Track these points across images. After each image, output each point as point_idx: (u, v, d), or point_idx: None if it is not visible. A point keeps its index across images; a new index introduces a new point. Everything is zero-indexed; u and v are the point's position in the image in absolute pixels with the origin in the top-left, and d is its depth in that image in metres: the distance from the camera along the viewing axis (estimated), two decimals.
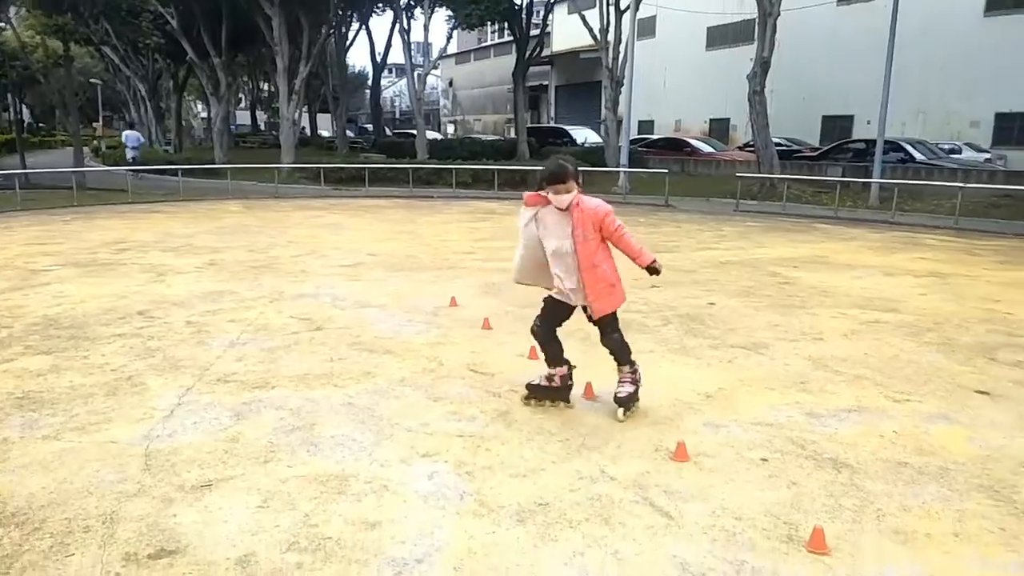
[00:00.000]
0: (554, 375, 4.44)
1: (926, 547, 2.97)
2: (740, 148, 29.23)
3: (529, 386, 4.50)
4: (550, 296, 4.35)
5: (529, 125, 33.78)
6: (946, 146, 23.50)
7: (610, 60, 23.85)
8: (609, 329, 4.35)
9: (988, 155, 23.75)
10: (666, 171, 20.34)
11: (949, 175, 19.10)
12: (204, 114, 48.99)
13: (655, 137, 32.57)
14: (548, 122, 43.53)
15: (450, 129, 57.73)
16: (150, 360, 5.35)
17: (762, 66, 19.84)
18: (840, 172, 20.61)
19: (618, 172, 22.25)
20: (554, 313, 4.38)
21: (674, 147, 28.86)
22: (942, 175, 19.31)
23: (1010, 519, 3.21)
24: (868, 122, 24.91)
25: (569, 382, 4.50)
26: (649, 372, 5.16)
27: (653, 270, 4.28)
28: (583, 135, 32.25)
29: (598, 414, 4.39)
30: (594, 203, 4.13)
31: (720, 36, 33.92)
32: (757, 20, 20.33)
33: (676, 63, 35.97)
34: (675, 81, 36.42)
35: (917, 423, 4.31)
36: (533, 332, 4.46)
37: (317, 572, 2.74)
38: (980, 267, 9.96)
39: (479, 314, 6.68)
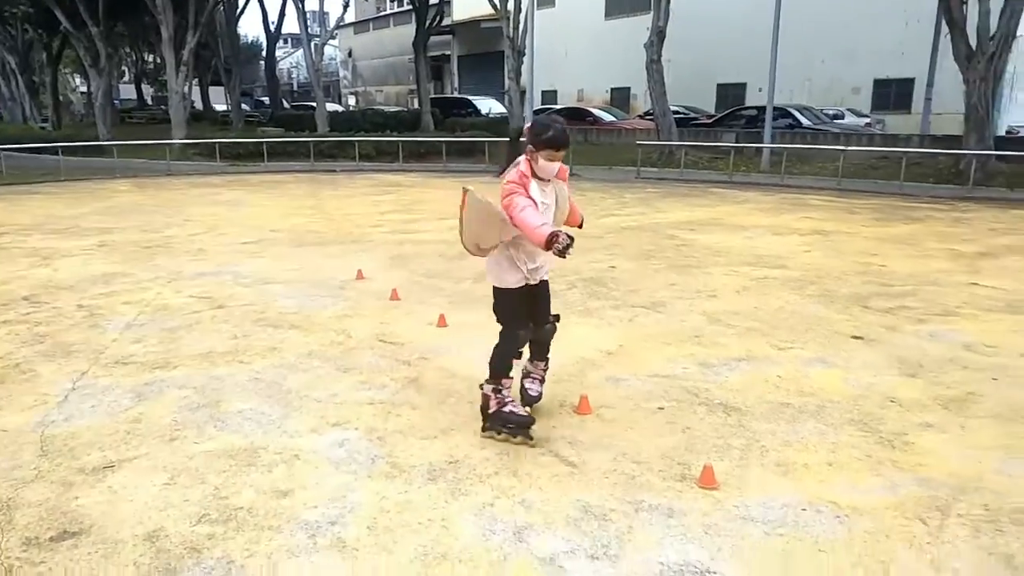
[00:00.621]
0: (503, 393, 3.70)
1: (804, 476, 3.26)
2: (640, 117, 29.87)
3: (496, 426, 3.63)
4: (514, 293, 3.56)
5: (432, 96, 33.36)
6: (831, 112, 24.78)
7: (511, 30, 23.80)
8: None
9: (868, 120, 25.20)
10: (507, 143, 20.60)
11: (833, 139, 20.16)
12: (84, 88, 45.93)
13: (558, 107, 32.82)
14: (452, 93, 43.13)
15: (351, 101, 56.33)
16: (38, 346, 5.11)
17: (658, 35, 20.28)
18: (734, 138, 21.42)
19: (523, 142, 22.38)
20: (533, 302, 3.70)
21: (577, 116, 29.18)
22: (827, 139, 20.36)
23: (876, 447, 3.55)
24: (760, 89, 25.89)
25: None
26: (561, 335, 5.34)
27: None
28: (487, 105, 32.16)
29: None
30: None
31: (618, 5, 34.37)
32: None
33: (576, 33, 36.26)
34: (576, 51, 36.74)
35: (799, 368, 4.65)
36: (518, 340, 3.66)
37: (230, 541, 2.76)
38: (859, 224, 10.67)
39: (387, 286, 6.68)
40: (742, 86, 29.82)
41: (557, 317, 3.86)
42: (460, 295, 6.52)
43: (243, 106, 36.89)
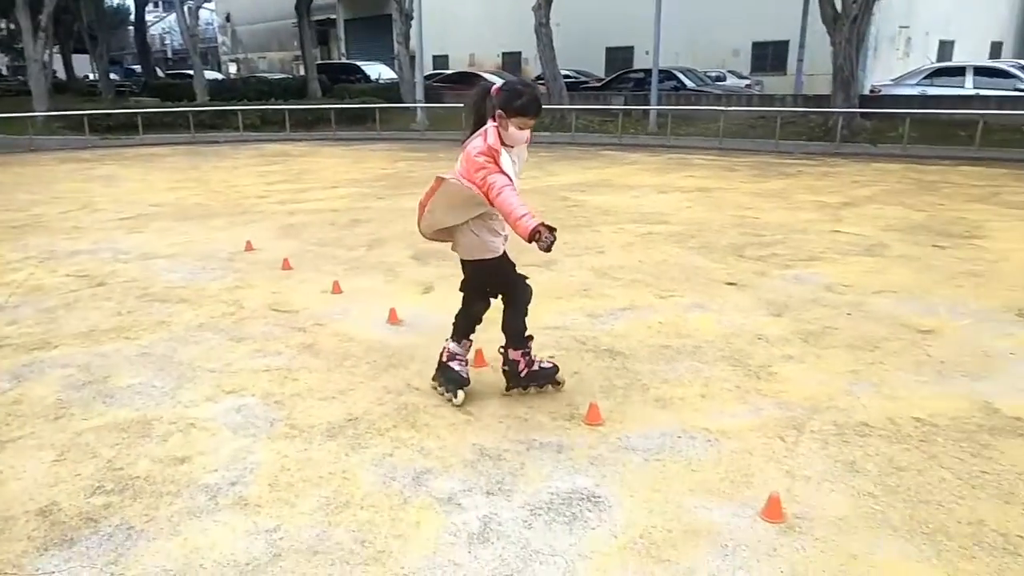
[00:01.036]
0: (531, 353, 3.67)
1: (680, 408, 3.55)
2: (532, 81, 30.09)
3: (524, 384, 3.65)
4: (503, 257, 3.50)
5: (319, 62, 32.35)
6: (713, 74, 25.77)
7: None
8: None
9: (748, 81, 26.39)
10: (462, 105, 20.51)
11: (715, 100, 21.03)
12: None
13: (450, 72, 32.54)
14: (339, 58, 41.86)
15: (232, 69, 53.70)
16: None
17: None
18: (622, 101, 21.95)
19: (415, 108, 22.16)
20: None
21: (469, 81, 29.00)
22: (709, 100, 21.22)
23: (744, 379, 3.89)
24: (646, 52, 26.44)
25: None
26: (450, 295, 5.45)
27: None
28: (377, 71, 31.48)
29: (402, 336, 4.61)
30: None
31: None
32: None
33: None
34: (466, 15, 36.39)
35: (678, 313, 4.98)
36: (530, 293, 3.63)
37: (127, 509, 2.76)
38: (738, 181, 11.28)
39: (278, 256, 6.60)
40: (630, 49, 30.45)
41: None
42: (354, 262, 6.53)
43: (112, 75, 34.59)
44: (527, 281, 3.59)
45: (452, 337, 3.69)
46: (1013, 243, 6.86)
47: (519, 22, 30.93)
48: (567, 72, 24.74)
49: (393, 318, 4.88)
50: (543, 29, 20.66)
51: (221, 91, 26.74)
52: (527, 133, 3.25)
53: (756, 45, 27.83)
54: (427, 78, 25.36)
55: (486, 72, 31.02)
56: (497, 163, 3.14)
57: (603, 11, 30.02)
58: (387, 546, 2.54)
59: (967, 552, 2.48)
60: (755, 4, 26.46)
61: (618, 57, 30.91)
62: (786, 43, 25.93)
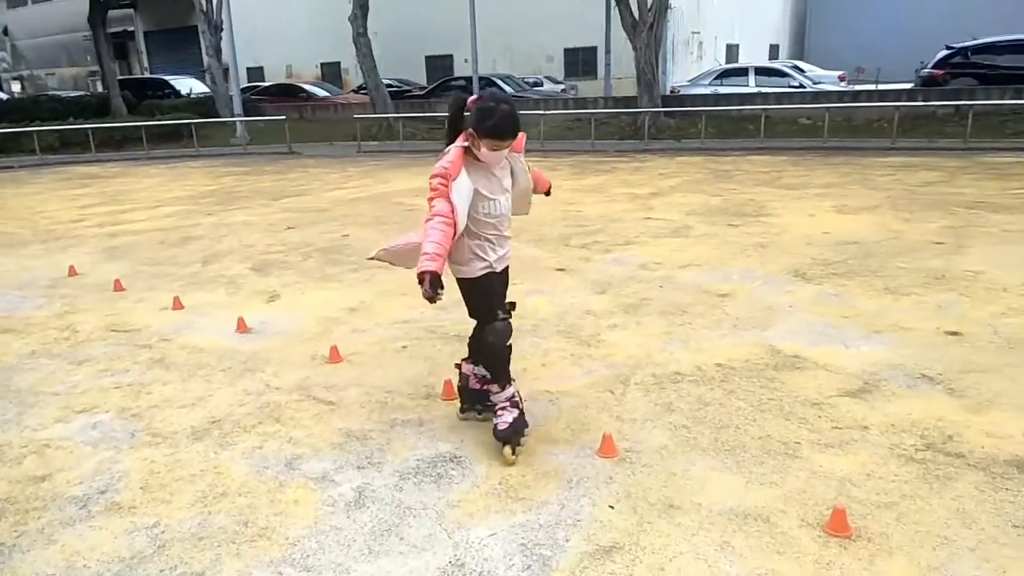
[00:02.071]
0: (518, 393, 3.27)
1: (524, 377, 3.97)
2: (355, 91, 29.90)
3: (506, 435, 3.13)
4: (485, 277, 3.14)
5: (121, 77, 30.23)
6: (531, 79, 26.96)
7: (204, 2, 22.45)
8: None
9: (563, 86, 27.87)
10: (284, 118, 20.16)
11: (534, 105, 22.03)
12: None
13: (267, 84, 31.62)
14: (142, 72, 39.29)
15: (15, 87, 48.70)
16: None
17: (361, 8, 20.50)
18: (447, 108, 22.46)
19: (234, 122, 21.42)
20: (503, 291, 3.30)
21: (289, 93, 28.43)
22: (529, 105, 22.21)
23: (577, 348, 4.39)
24: (465, 60, 27.26)
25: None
26: (298, 300, 5.61)
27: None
28: (188, 85, 29.93)
29: (254, 343, 4.70)
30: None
31: None
32: None
33: (278, 6, 34.97)
34: (280, 25, 35.47)
35: (518, 298, 5.37)
36: (503, 332, 3.12)
37: None
38: (560, 179, 12.05)
39: (107, 278, 6.37)
40: (449, 57, 31.14)
41: (513, 305, 3.32)
42: (191, 278, 6.43)
43: None
44: (505, 318, 3.16)
45: (469, 359, 3.46)
46: (791, 218, 8.00)
47: (336, 32, 30.70)
48: (389, 81, 24.94)
49: (242, 327, 4.95)
50: (361, 39, 20.73)
51: (7, 112, 24.32)
52: (502, 154, 2.95)
53: (568, 51, 29.45)
54: (244, 91, 24.58)
55: (307, 83, 30.54)
56: (447, 188, 2.85)
57: (420, 20, 30.46)
58: (270, 523, 2.73)
59: (758, 459, 3.07)
60: (564, 12, 28.02)
61: (438, 65, 31.51)
62: (594, 49, 27.68)
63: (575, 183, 11.50)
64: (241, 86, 23.38)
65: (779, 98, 18.14)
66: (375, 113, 21.13)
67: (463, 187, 2.90)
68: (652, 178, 11.70)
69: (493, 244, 3.12)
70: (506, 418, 3.15)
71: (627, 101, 19.93)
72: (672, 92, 21.25)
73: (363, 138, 19.16)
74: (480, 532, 2.64)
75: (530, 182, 3.28)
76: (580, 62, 29.35)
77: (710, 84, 20.46)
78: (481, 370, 3.37)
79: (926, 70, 17.83)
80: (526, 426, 3.19)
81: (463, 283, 3.20)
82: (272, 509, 2.82)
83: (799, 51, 36.62)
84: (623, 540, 2.57)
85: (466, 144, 2.93)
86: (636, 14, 17.78)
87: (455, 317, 5.01)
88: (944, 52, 17.62)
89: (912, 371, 3.88)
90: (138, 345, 4.76)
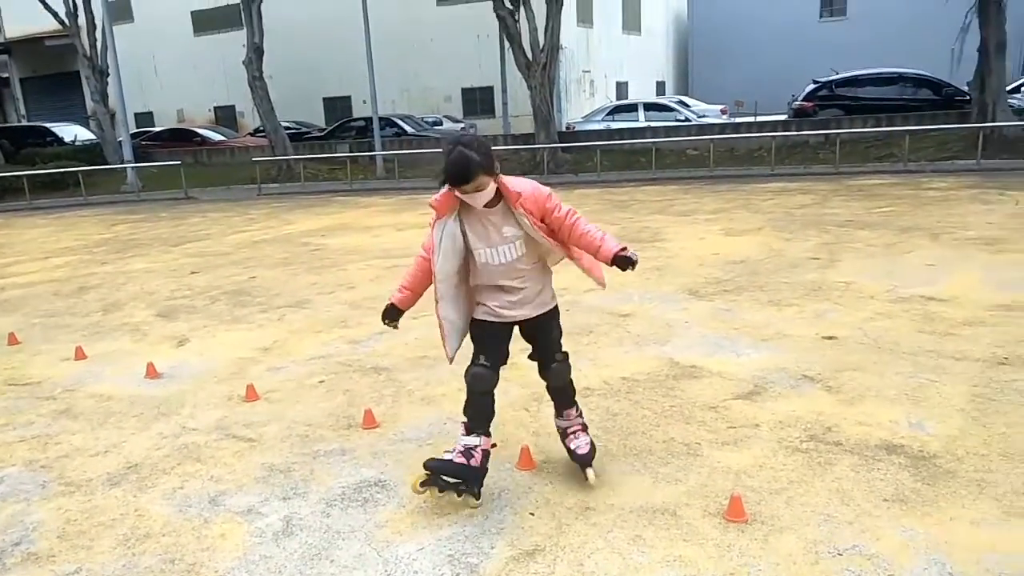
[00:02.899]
0: (476, 448, 3.03)
1: (443, 403, 4.12)
2: (251, 134, 29.46)
3: (432, 465, 2.99)
4: (479, 321, 3.08)
5: None
6: (430, 119, 27.33)
7: (87, 47, 21.73)
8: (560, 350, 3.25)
9: (462, 124, 28.34)
10: (179, 163, 19.64)
11: (435, 143, 22.36)
12: None
13: (158, 129, 30.69)
14: (19, 120, 37.29)
15: None
16: None
17: (256, 52, 20.37)
18: (348, 148, 22.48)
19: (124, 169, 20.68)
20: (497, 341, 3.11)
21: (182, 138, 27.70)
22: (430, 144, 22.52)
23: None
24: (364, 101, 27.39)
25: (486, 464, 3.07)
26: (209, 343, 5.57)
27: (626, 260, 2.98)
28: (72, 132, 28.60)
29: (166, 387, 4.65)
30: (524, 184, 2.91)
31: (208, 21, 33.23)
32: (242, 5, 20.65)
33: (166, 50, 34.13)
34: (168, 69, 34.61)
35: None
36: (477, 378, 3.09)
37: None
38: None
39: None
40: (347, 99, 31.17)
41: (566, 355, 3.26)
42: (92, 327, 6.25)
43: None
44: (485, 365, 3.10)
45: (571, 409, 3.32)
46: (684, 242, 8.52)
47: (229, 75, 30.31)
48: (287, 123, 24.74)
49: (152, 372, 4.87)
50: (257, 83, 20.56)
51: None
52: (478, 197, 2.76)
53: (465, 91, 30.05)
54: (134, 136, 23.81)
55: (199, 128, 29.85)
56: (432, 223, 2.92)
57: (316, 62, 30.41)
58: (197, 559, 2.75)
59: (663, 460, 3.33)
60: (460, 53, 28.67)
61: (337, 106, 31.47)
62: (491, 88, 28.37)
63: None
64: (130, 131, 22.62)
65: (667, 131, 19.16)
66: (274, 155, 20.90)
67: (448, 229, 2.85)
68: None
69: (496, 292, 2.98)
70: (452, 458, 3.00)
71: (525, 138, 20.53)
72: (568, 128, 22.04)
73: (263, 181, 18.93)
74: (409, 548, 2.76)
75: (547, 244, 2.96)
76: (478, 101, 29.98)
77: (603, 120, 21.36)
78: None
79: (797, 102, 19.28)
80: (465, 476, 2.98)
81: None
82: (199, 545, 2.84)
83: (684, 87, 38.68)
84: (544, 543, 2.74)
85: None
86: (529, 54, 18.46)
87: (371, 350, 5.12)
88: (812, 85, 19.12)
89: (795, 373, 4.27)
90: (40, 397, 4.61)
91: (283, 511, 3.06)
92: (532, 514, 2.94)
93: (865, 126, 17.07)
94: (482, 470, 3.03)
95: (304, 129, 28.03)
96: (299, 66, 30.29)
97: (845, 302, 5.64)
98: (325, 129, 27.62)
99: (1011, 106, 15.81)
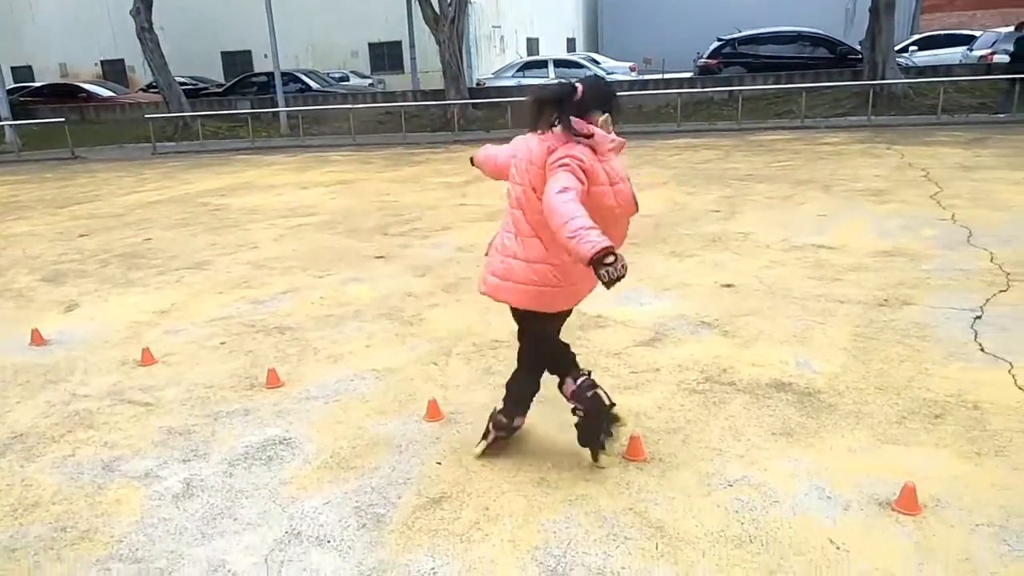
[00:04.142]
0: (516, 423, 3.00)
1: (349, 359, 4.08)
2: (143, 90, 27.78)
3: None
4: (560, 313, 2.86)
5: None
6: (336, 75, 26.46)
7: None
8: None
9: (370, 80, 27.61)
10: (63, 120, 18.35)
11: (342, 100, 21.72)
12: None
13: (38, 84, 28.51)
14: None
15: None
16: None
17: (143, 1, 19.11)
18: (249, 105, 21.51)
19: (1, 127, 19.18)
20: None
21: (66, 94, 25.82)
22: (336, 100, 21.86)
23: (401, 327, 4.55)
24: (265, 56, 26.18)
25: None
26: (100, 308, 5.31)
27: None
28: None
29: (54, 354, 4.40)
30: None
31: None
32: None
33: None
34: (49, 21, 32.07)
35: (337, 287, 5.49)
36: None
37: None
38: (374, 172, 12.09)
39: None
40: (248, 53, 29.75)
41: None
42: None
43: None
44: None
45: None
46: None
47: (117, 27, 28.37)
48: (183, 79, 23.46)
49: (37, 339, 4.60)
50: (147, 34, 19.33)
51: None
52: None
53: (372, 46, 29.18)
54: (11, 92, 22.05)
55: (85, 83, 27.92)
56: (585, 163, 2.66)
57: (212, 14, 28.88)
58: (92, 524, 2.66)
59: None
60: (366, 7, 27.76)
61: (236, 61, 30.00)
62: (399, 43, 27.64)
63: (390, 174, 11.58)
64: (8, 87, 20.94)
65: None
66: (169, 112, 19.82)
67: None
68: (465, 167, 11.99)
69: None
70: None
71: (435, 94, 20.18)
72: (478, 84, 21.81)
73: (158, 139, 17.96)
74: (315, 502, 2.74)
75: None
76: (386, 56, 29.19)
77: (513, 76, 21.21)
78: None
79: (702, 60, 19.68)
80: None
81: None
82: (92, 512, 2.74)
83: (593, 44, 38.80)
84: (451, 490, 2.78)
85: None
86: (437, 8, 18.05)
87: (274, 310, 5.00)
88: (716, 43, 19.53)
89: (694, 320, 4.44)
90: None
91: (183, 473, 2.98)
92: (439, 463, 2.97)
93: (766, 84, 17.60)
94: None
95: (201, 85, 26.62)
96: (194, 18, 28.68)
97: (743, 252, 5.87)
98: (224, 85, 26.33)
99: (899, 64, 16.62)
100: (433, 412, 3.34)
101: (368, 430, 3.26)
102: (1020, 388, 3.34)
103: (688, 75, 20.66)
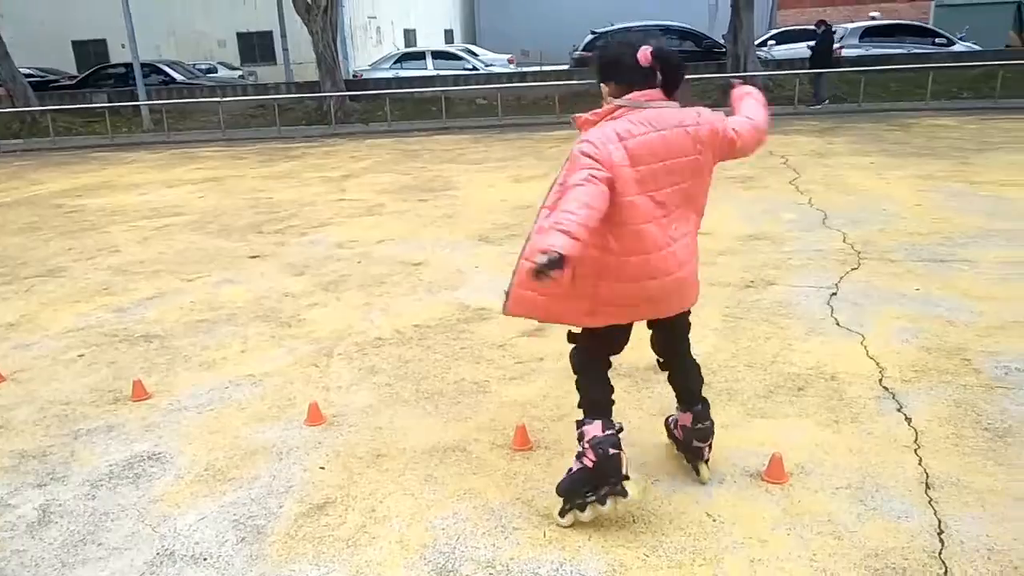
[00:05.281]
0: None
1: (224, 366, 3.89)
2: None
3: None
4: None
5: None
6: (203, 66, 25.13)
7: None
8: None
9: (240, 72, 26.43)
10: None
11: (209, 92, 20.65)
12: None
13: None
14: None
15: None
16: None
17: None
18: (106, 99, 20.08)
19: None
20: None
21: None
22: (203, 93, 20.76)
23: (278, 329, 4.38)
24: (123, 46, 24.45)
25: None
26: None
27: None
28: None
29: None
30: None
31: None
32: None
33: None
34: None
35: (209, 290, 5.22)
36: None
37: None
38: (247, 168, 11.58)
39: None
40: (102, 43, 27.76)
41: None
42: None
43: None
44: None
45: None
46: (474, 190, 8.63)
47: None
48: (30, 71, 21.61)
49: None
50: None
51: None
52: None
53: (241, 36, 27.94)
54: None
55: None
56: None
57: (60, 1, 26.72)
58: None
59: (454, 400, 3.40)
60: None
61: (89, 52, 27.91)
62: (270, 33, 26.58)
63: (264, 170, 11.14)
64: None
65: (456, 80, 19.16)
66: (14, 107, 18.20)
67: None
68: (343, 161, 11.75)
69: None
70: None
71: (311, 86, 19.57)
72: (355, 76, 21.31)
73: (3, 136, 16.49)
74: (189, 519, 2.59)
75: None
76: (256, 47, 28.00)
77: (391, 68, 20.89)
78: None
79: (578, 52, 20.08)
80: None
81: None
82: None
83: (471, 36, 38.80)
84: (335, 494, 2.70)
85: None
86: None
87: (139, 317, 4.71)
88: (590, 36, 19.97)
89: None
90: None
91: (38, 499, 2.74)
92: (322, 468, 2.88)
93: None
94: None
95: (51, 77, 24.59)
96: (39, 3, 26.43)
97: None
98: (77, 77, 24.45)
99: (759, 57, 17.59)
100: (314, 416, 3.24)
101: (245, 439, 3.12)
102: (871, 358, 3.62)
103: (565, 67, 21.03)
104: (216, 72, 25.01)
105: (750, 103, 2.63)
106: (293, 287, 5.20)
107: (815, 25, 16.11)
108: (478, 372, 3.68)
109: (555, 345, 3.96)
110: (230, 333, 4.36)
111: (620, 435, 2.44)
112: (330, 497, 2.69)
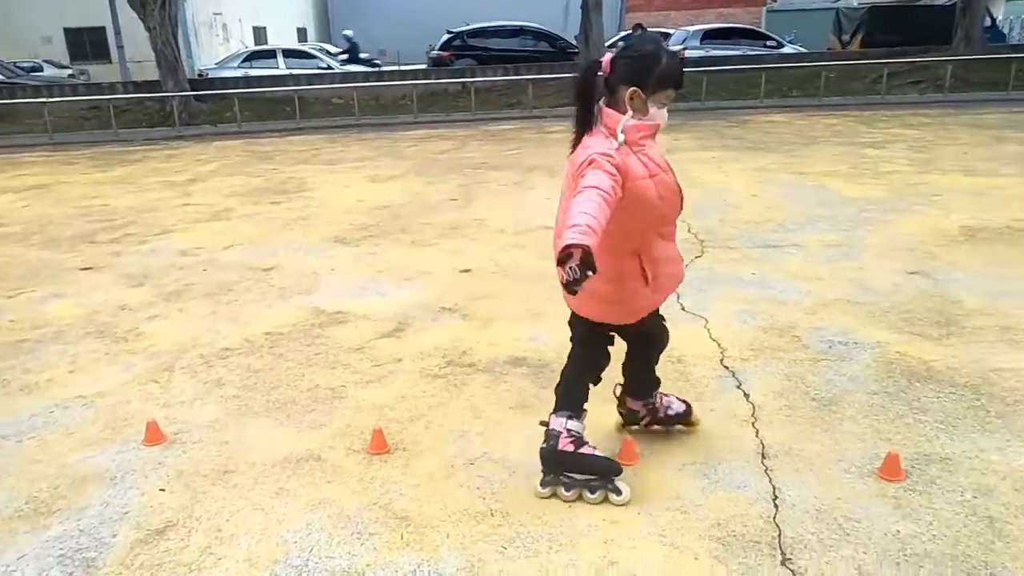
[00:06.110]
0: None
1: (48, 388, 3.55)
2: None
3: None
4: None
5: None
6: (27, 64, 22.99)
7: None
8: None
9: (70, 70, 24.37)
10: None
11: (34, 93, 18.88)
12: None
13: None
14: None
15: None
16: None
17: None
18: None
19: None
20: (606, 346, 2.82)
21: None
22: (27, 93, 18.95)
23: (113, 345, 4.06)
24: None
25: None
26: None
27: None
28: None
29: None
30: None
31: None
32: None
33: None
34: None
35: (32, 307, 4.75)
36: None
37: None
38: (78, 173, 10.67)
39: None
40: None
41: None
42: None
43: None
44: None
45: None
46: (330, 191, 8.40)
47: None
48: None
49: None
50: None
51: None
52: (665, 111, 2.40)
53: (69, 32, 25.82)
54: None
55: None
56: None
57: None
58: None
59: (308, 408, 3.27)
60: None
61: None
62: (103, 29, 24.70)
63: (97, 176, 10.32)
64: None
65: (310, 79, 18.58)
66: None
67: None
68: (189, 164, 11.10)
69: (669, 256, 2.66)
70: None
71: (151, 86, 18.33)
72: (200, 75, 20.19)
73: None
74: (7, 559, 2.34)
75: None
76: (88, 43, 25.96)
77: (239, 67, 19.94)
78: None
79: (435, 52, 20.03)
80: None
81: None
82: None
83: (326, 34, 37.80)
84: (176, 517, 2.53)
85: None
86: None
87: None
88: (447, 36, 19.98)
89: (435, 306, 4.49)
90: None
91: None
92: (163, 490, 2.69)
93: (496, 75, 18.38)
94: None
95: None
96: None
97: (479, 238, 6.06)
98: None
99: None
100: (153, 435, 3.01)
101: (73, 466, 2.86)
102: (713, 340, 3.83)
103: (423, 66, 20.92)
104: (42, 71, 22.98)
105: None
106: (130, 299, 4.83)
107: (633, 28, 16.92)
108: (333, 377, 3.57)
109: (412, 345, 3.92)
110: (57, 352, 3.99)
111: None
112: (171, 520, 2.51)
